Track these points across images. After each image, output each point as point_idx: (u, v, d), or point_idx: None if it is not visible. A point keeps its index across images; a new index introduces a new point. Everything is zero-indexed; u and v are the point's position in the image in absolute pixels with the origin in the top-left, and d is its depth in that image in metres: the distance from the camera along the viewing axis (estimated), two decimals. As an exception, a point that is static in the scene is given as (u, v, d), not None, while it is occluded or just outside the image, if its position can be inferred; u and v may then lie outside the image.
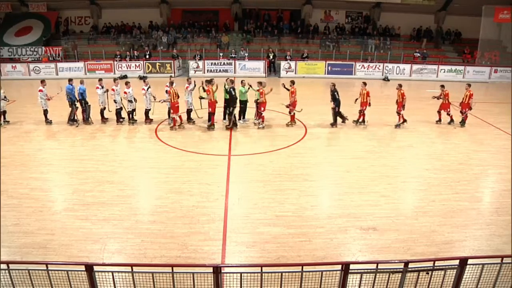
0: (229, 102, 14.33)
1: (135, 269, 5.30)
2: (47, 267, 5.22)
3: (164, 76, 22.96)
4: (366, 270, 5.37)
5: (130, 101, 14.69)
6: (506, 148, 12.52)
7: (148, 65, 26.16)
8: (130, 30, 29.76)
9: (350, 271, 5.25)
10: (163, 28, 29.78)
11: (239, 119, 15.24)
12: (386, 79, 26.04)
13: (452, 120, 15.40)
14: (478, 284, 5.46)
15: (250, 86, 14.90)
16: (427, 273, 5.44)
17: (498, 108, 18.10)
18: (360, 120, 15.21)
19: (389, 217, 8.57)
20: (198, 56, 26.71)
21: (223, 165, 11.32)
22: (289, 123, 14.89)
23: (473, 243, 7.71)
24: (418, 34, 30.12)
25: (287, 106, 14.75)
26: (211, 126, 14.41)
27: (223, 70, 26.28)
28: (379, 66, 26.59)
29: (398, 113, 15.00)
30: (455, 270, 5.36)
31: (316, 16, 30.77)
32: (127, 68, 26.17)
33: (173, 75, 23.77)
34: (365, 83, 15.31)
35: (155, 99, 14.75)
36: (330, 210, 9.01)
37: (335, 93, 14.57)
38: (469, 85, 15.46)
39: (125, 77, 24.53)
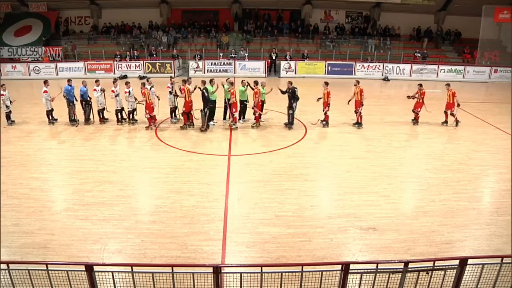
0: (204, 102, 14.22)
1: (135, 269, 5.30)
2: (47, 267, 5.22)
3: (164, 76, 22.96)
4: (366, 270, 5.37)
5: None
6: (506, 148, 12.52)
7: (148, 65, 26.20)
8: (130, 30, 29.77)
9: (350, 271, 5.25)
10: (163, 28, 29.79)
11: (239, 119, 15.24)
12: (386, 79, 26.05)
13: (415, 120, 15.38)
14: (478, 284, 5.46)
15: (248, 84, 14.83)
16: (427, 273, 5.44)
17: (498, 108, 18.11)
18: (357, 121, 15.09)
19: (389, 217, 8.56)
20: (198, 56, 26.73)
21: (223, 165, 11.32)
22: (254, 124, 14.68)
23: (473, 243, 7.71)
24: (418, 34, 30.13)
25: (252, 108, 14.61)
26: (183, 126, 14.43)
27: (223, 70, 26.30)
28: (379, 66, 26.62)
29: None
30: (455, 270, 5.36)
31: (316, 16, 30.79)
32: (127, 68, 26.19)
33: (173, 75, 23.77)
34: (358, 81, 15.30)
35: (159, 99, 14.74)
36: (330, 210, 9.01)
37: (295, 89, 14.31)
38: (449, 85, 15.34)
39: (125, 77, 24.57)
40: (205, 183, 10.07)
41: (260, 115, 14.71)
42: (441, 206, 9.04)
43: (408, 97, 15.62)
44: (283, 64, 26.47)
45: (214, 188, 9.82)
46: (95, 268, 5.24)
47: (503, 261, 5.38)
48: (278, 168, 11.14)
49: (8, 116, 14.90)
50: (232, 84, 14.53)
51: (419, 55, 27.52)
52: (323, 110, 14.94)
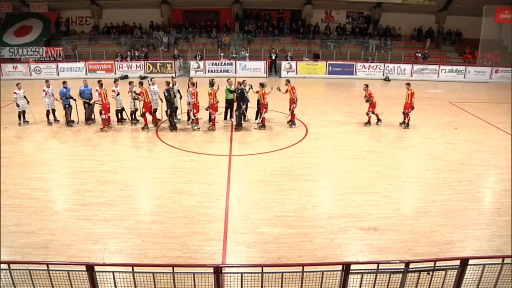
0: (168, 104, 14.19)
1: (136, 269, 5.31)
2: (48, 267, 5.23)
3: (165, 76, 22.97)
4: (367, 270, 5.36)
5: (135, 99, 14.73)
6: (507, 149, 12.51)
7: (149, 65, 26.21)
8: (130, 30, 29.78)
9: (350, 271, 5.25)
10: (164, 28, 29.80)
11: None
12: (387, 79, 26.04)
13: (369, 122, 15.21)
14: (479, 284, 5.45)
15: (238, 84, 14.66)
16: (428, 274, 5.44)
17: (499, 108, 18.09)
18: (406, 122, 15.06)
19: (390, 217, 8.56)
20: (199, 56, 26.74)
21: (223, 165, 11.32)
22: (211, 127, 14.53)
23: (474, 243, 7.70)
24: (419, 34, 30.12)
25: (206, 109, 14.47)
26: (144, 126, 14.43)
27: (223, 70, 26.31)
28: (380, 66, 26.60)
29: (406, 113, 14.97)
30: (456, 270, 5.35)
31: (316, 16, 30.78)
32: (128, 68, 26.19)
33: (174, 75, 23.78)
34: (409, 84, 15.06)
35: (162, 101, 14.73)
36: (331, 210, 9.01)
37: (244, 91, 14.14)
38: (409, 84, 15.00)
39: (126, 77, 24.57)
40: (205, 183, 10.07)
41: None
42: (442, 207, 9.03)
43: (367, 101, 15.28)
44: (284, 64, 26.46)
45: (214, 188, 9.82)
46: (96, 268, 5.24)
47: (504, 262, 5.37)
48: (279, 168, 11.14)
49: (19, 115, 14.88)
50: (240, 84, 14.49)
51: (420, 55, 27.51)
52: (290, 109, 14.84)
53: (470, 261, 5.33)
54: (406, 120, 15.00)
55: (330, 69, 26.71)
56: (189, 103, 14.51)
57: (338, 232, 8.00)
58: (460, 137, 14.06)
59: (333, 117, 16.33)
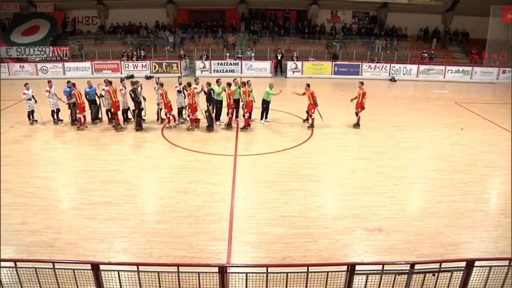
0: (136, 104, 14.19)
1: (141, 268, 5.32)
2: (53, 265, 5.26)
3: (171, 76, 23.05)
4: (372, 271, 5.35)
5: (101, 97, 14.80)
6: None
7: (155, 65, 26.28)
8: (137, 30, 29.87)
9: (356, 272, 5.24)
10: (170, 28, 29.87)
11: (217, 119, 15.21)
12: (393, 79, 25.95)
13: (307, 119, 14.96)
14: (485, 286, 5.42)
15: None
16: (433, 275, 5.42)
17: (505, 109, 17.96)
18: (357, 122, 14.95)
19: (395, 218, 8.53)
20: (205, 56, 26.78)
21: (229, 165, 11.33)
22: (190, 127, 14.48)
23: (480, 244, 7.66)
24: (425, 35, 30.00)
25: (185, 107, 14.55)
26: (117, 126, 14.45)
27: (229, 70, 26.34)
28: (386, 66, 26.52)
29: (356, 113, 14.84)
30: (462, 272, 5.33)
31: (322, 17, 30.74)
32: (134, 68, 26.28)
33: (180, 75, 23.84)
34: (362, 83, 14.94)
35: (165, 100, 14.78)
36: (336, 210, 8.99)
37: (212, 92, 14.00)
38: (362, 83, 14.86)
39: (131, 77, 24.65)
40: (211, 183, 10.08)
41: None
42: (447, 208, 8.99)
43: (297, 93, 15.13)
44: (290, 64, 26.44)
45: (220, 188, 9.83)
46: (101, 267, 5.26)
47: (511, 264, 5.33)
48: (284, 168, 11.13)
49: (29, 115, 14.98)
50: (244, 84, 14.50)
51: (426, 55, 27.40)
52: (358, 112, 14.85)
53: (476, 263, 5.30)
54: (357, 120, 14.86)
55: (336, 69, 26.67)
56: (158, 104, 14.61)
57: (343, 233, 7.98)
58: (466, 138, 13.98)
59: (338, 117, 16.29)
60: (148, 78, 25.10)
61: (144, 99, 14.39)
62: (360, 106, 14.62)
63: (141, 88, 14.45)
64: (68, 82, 14.98)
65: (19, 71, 25.57)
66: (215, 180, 10.30)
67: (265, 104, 15.05)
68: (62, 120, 15.24)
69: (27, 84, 14.95)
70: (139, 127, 14.34)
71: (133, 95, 13.93)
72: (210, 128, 14.28)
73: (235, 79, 15.36)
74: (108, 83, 14.29)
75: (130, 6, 29.49)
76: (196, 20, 30.71)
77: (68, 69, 25.92)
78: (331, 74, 26.53)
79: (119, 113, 14.65)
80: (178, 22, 30.51)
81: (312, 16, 30.52)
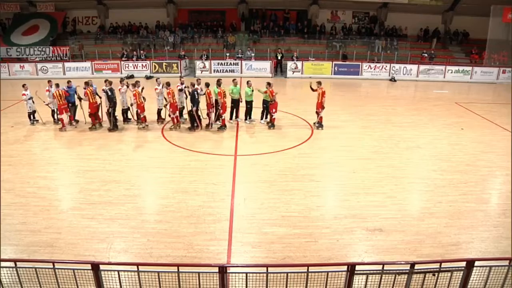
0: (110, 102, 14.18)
1: (141, 268, 5.32)
2: (53, 265, 5.26)
3: (171, 76, 23.04)
4: (372, 271, 5.35)
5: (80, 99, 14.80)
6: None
7: (155, 65, 26.26)
8: (136, 30, 29.87)
9: (356, 272, 5.24)
10: (170, 28, 29.87)
11: (245, 119, 15.27)
12: (393, 79, 25.93)
13: (269, 118, 14.82)
14: (485, 286, 5.42)
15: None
16: (434, 275, 5.42)
17: (506, 109, 17.94)
18: (318, 122, 14.81)
19: (395, 218, 8.53)
20: (205, 56, 26.77)
21: (229, 165, 11.33)
22: (172, 127, 14.49)
23: (480, 245, 7.66)
24: (425, 35, 29.99)
25: (165, 106, 14.56)
26: (92, 127, 14.47)
27: (229, 70, 26.31)
28: (386, 66, 26.49)
29: (317, 112, 14.72)
30: (462, 272, 5.33)
31: (322, 17, 30.73)
32: (134, 68, 26.27)
33: (181, 74, 23.83)
34: (319, 82, 14.75)
35: (166, 100, 14.76)
36: (336, 210, 8.99)
37: (195, 93, 13.91)
38: (320, 83, 14.70)
39: (131, 77, 24.65)
40: (211, 183, 10.09)
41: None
42: (448, 208, 8.99)
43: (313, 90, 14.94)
44: (290, 64, 26.43)
45: (220, 188, 9.84)
46: (101, 267, 5.26)
47: (511, 264, 5.33)
48: (284, 168, 11.13)
49: (29, 115, 15.00)
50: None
51: (426, 55, 27.39)
52: (318, 112, 14.68)
53: (476, 263, 5.30)
54: (318, 119, 14.74)
55: (336, 69, 26.63)
56: (131, 104, 14.61)
57: (344, 233, 7.98)
58: (466, 138, 13.98)
59: (338, 117, 16.30)
60: (148, 78, 25.09)
61: (144, 99, 14.37)
62: (320, 106, 14.47)
63: (143, 88, 14.46)
64: (68, 82, 14.99)
65: (19, 71, 25.56)
66: (215, 180, 10.30)
67: (265, 104, 15.05)
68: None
69: (25, 84, 14.93)
70: (113, 127, 14.34)
71: (109, 94, 13.95)
72: (191, 129, 14.28)
73: (235, 79, 15.36)
74: (133, 86, 14.28)
75: (130, 6, 29.48)
76: (196, 20, 30.71)
77: (68, 69, 25.90)
78: (331, 74, 26.49)
79: (106, 113, 14.51)
80: (178, 22, 30.51)
81: (312, 16, 30.52)
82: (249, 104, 15.13)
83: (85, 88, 14.23)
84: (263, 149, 12.58)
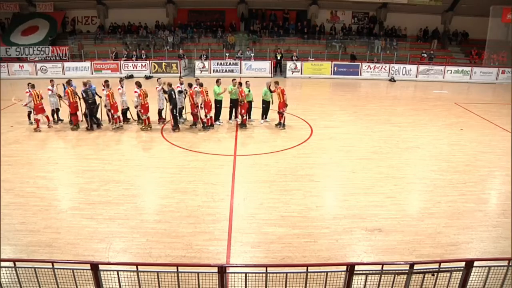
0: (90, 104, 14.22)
1: (140, 268, 5.32)
2: (53, 265, 5.25)
3: (170, 76, 23.03)
4: (371, 271, 5.35)
5: (60, 98, 14.89)
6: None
7: (154, 65, 26.27)
8: (136, 30, 29.88)
9: (355, 272, 5.24)
10: (169, 28, 29.87)
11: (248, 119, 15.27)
12: (392, 80, 25.96)
13: (281, 123, 14.72)
14: (485, 286, 5.43)
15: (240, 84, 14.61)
16: (433, 275, 5.42)
17: (505, 109, 17.97)
18: (279, 121, 14.74)
19: (395, 218, 8.53)
20: (204, 56, 26.78)
21: (228, 165, 11.33)
22: (143, 127, 14.46)
23: (479, 245, 7.66)
24: (424, 35, 30.02)
25: (135, 107, 14.50)
26: (74, 127, 14.49)
27: (229, 70, 26.35)
28: (385, 66, 26.52)
29: (279, 112, 14.62)
30: (461, 272, 5.33)
31: (322, 17, 30.77)
32: (133, 68, 26.27)
33: (180, 75, 23.85)
34: (277, 82, 14.67)
35: (167, 100, 14.75)
36: (336, 210, 8.99)
37: (172, 92, 13.89)
38: (277, 83, 14.64)
39: (131, 76, 24.65)
40: (210, 183, 10.08)
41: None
42: (447, 208, 8.99)
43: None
44: (289, 65, 26.44)
45: (219, 188, 9.83)
46: (101, 267, 5.26)
47: (510, 264, 5.34)
48: (284, 168, 11.13)
49: (53, 113, 15.14)
50: (240, 84, 14.47)
51: (425, 56, 27.41)
52: (281, 112, 14.55)
53: (476, 263, 5.30)
54: (282, 121, 14.66)
55: (335, 69, 26.65)
56: (105, 105, 14.54)
57: (343, 233, 7.98)
58: (465, 138, 13.99)
59: (338, 117, 16.31)
60: (147, 78, 25.08)
61: (185, 96, 14.38)
62: (283, 105, 14.41)
63: (183, 85, 14.52)
64: (69, 81, 15.00)
65: (18, 71, 25.58)
66: (215, 180, 10.30)
67: (264, 104, 15.05)
68: (62, 120, 15.23)
69: (52, 80, 15.06)
70: (91, 128, 14.35)
71: (84, 95, 13.98)
72: (175, 128, 14.28)
73: (234, 79, 15.35)
74: (106, 86, 14.21)
75: (129, 6, 29.53)
76: (196, 20, 30.76)
77: (67, 69, 25.92)
78: (331, 74, 26.52)
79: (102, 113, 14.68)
80: (178, 22, 30.54)
81: (312, 16, 30.54)
82: (249, 104, 15.11)
83: (65, 88, 14.31)
84: (263, 149, 12.58)
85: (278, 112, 14.63)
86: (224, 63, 26.59)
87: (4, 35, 27.90)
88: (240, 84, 14.45)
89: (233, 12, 30.68)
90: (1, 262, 5.44)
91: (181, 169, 11.02)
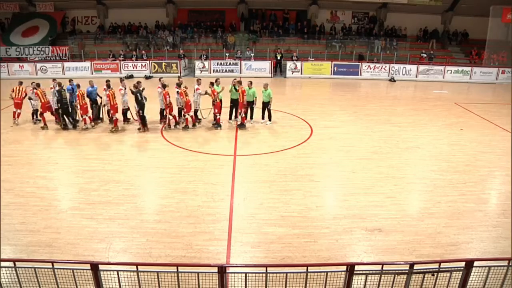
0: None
1: (140, 268, 5.32)
2: (53, 265, 5.25)
3: (170, 76, 23.01)
4: (371, 271, 5.35)
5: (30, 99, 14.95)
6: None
7: (154, 65, 26.28)
8: (136, 30, 29.87)
9: (355, 272, 5.24)
10: (169, 28, 29.87)
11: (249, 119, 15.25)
12: (392, 80, 25.95)
13: (218, 124, 14.67)
14: (485, 286, 5.43)
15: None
16: (433, 275, 5.42)
17: (505, 109, 17.97)
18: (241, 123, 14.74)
19: (395, 218, 8.53)
20: (204, 56, 26.78)
21: (228, 165, 11.33)
22: (113, 128, 14.32)
23: (479, 245, 7.66)
24: (424, 35, 30.01)
25: (103, 106, 14.61)
26: (43, 126, 14.56)
27: (229, 70, 26.34)
28: (385, 67, 26.51)
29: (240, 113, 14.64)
30: (461, 272, 5.33)
31: (322, 17, 30.74)
32: (133, 68, 26.27)
33: (180, 75, 23.84)
34: (212, 83, 14.51)
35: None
36: (336, 210, 8.99)
37: (138, 94, 13.80)
38: (240, 82, 14.56)
39: (131, 76, 24.65)
40: (210, 183, 10.08)
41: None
42: (447, 208, 8.99)
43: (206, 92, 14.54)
44: (289, 65, 26.44)
45: (219, 188, 9.83)
46: (101, 267, 5.26)
47: (510, 264, 5.34)
48: (284, 168, 11.13)
49: (32, 114, 15.22)
50: (240, 83, 14.48)
51: (425, 56, 27.40)
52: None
53: (476, 263, 5.30)
54: (241, 120, 14.67)
55: (335, 69, 26.64)
56: (105, 105, 14.61)
57: (343, 233, 7.98)
58: (465, 138, 13.99)
59: (338, 117, 16.31)
60: (147, 78, 25.08)
61: (145, 99, 14.36)
62: (242, 106, 14.44)
63: (143, 89, 14.43)
64: (70, 80, 15.03)
65: (18, 71, 25.57)
66: (215, 180, 10.30)
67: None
68: (76, 119, 15.21)
69: (33, 83, 15.03)
70: (65, 127, 14.45)
71: (57, 96, 14.07)
72: (141, 129, 14.27)
73: (235, 79, 15.36)
74: (107, 86, 14.21)
75: (129, 6, 29.50)
76: (196, 20, 30.72)
77: (67, 69, 25.92)
78: (331, 74, 26.51)
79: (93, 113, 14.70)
80: (178, 22, 30.51)
81: (312, 16, 30.52)
82: (250, 104, 15.11)
83: (35, 89, 14.45)
84: (263, 149, 12.59)
85: (239, 113, 14.62)
86: (224, 63, 26.58)
87: (4, 35, 27.88)
88: (240, 82, 14.47)
89: (233, 12, 30.66)
90: (1, 262, 5.44)
91: (181, 169, 11.02)
